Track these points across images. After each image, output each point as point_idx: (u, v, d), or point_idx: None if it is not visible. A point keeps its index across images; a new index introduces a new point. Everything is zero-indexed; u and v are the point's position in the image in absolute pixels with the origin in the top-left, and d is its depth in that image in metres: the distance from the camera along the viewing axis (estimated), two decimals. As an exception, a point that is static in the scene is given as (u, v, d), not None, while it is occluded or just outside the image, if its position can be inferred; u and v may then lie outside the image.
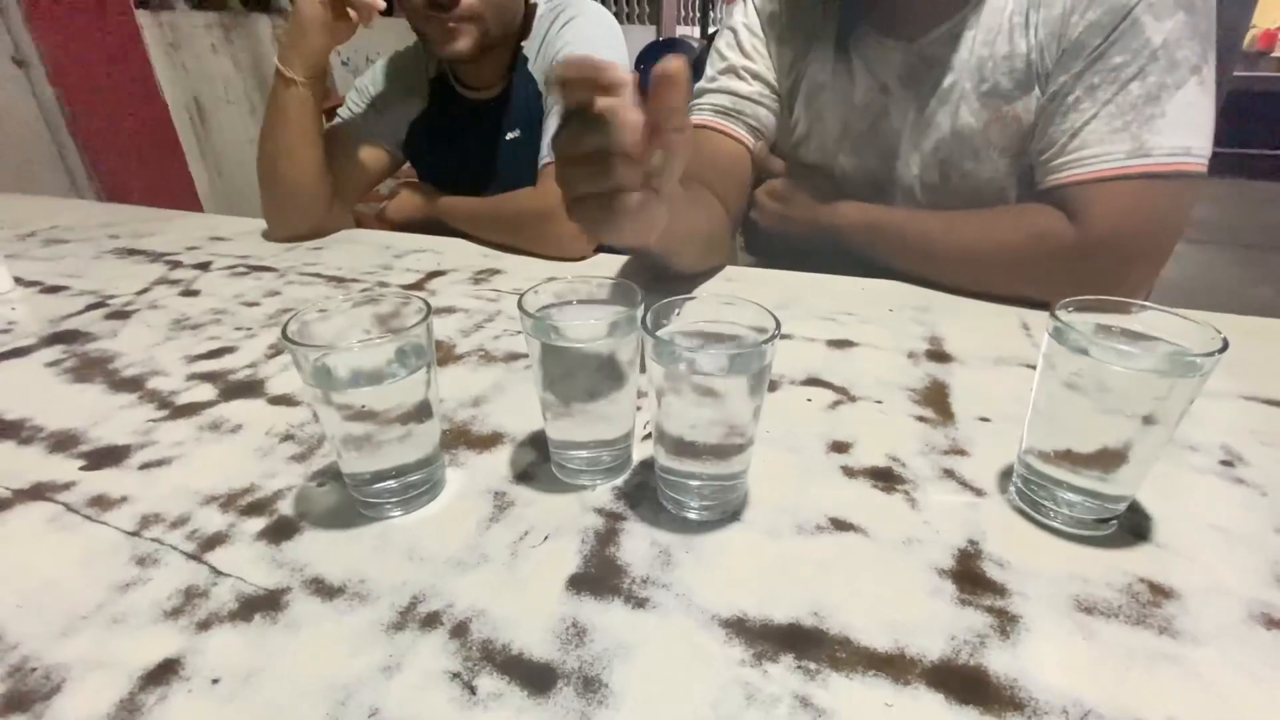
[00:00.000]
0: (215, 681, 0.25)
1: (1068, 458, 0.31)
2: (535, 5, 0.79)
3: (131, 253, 0.79)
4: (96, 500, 0.36)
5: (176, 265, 0.74)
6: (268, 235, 0.83)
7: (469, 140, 0.83)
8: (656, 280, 0.59)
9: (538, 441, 0.40)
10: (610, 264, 0.71)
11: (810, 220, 0.66)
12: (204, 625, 0.27)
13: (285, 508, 0.35)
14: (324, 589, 0.29)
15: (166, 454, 0.40)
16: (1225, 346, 0.27)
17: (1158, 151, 0.50)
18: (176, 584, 0.30)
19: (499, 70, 0.79)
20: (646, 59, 2.47)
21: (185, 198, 2.13)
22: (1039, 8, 0.54)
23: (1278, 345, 0.52)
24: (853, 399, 0.44)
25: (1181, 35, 0.50)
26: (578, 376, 0.34)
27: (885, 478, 0.36)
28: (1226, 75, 1.14)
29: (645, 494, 0.35)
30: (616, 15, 3.82)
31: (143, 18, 1.95)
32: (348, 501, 0.35)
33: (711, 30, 3.95)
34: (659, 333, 0.31)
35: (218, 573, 0.30)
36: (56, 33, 1.75)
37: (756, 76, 0.67)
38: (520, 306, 0.33)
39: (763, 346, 0.29)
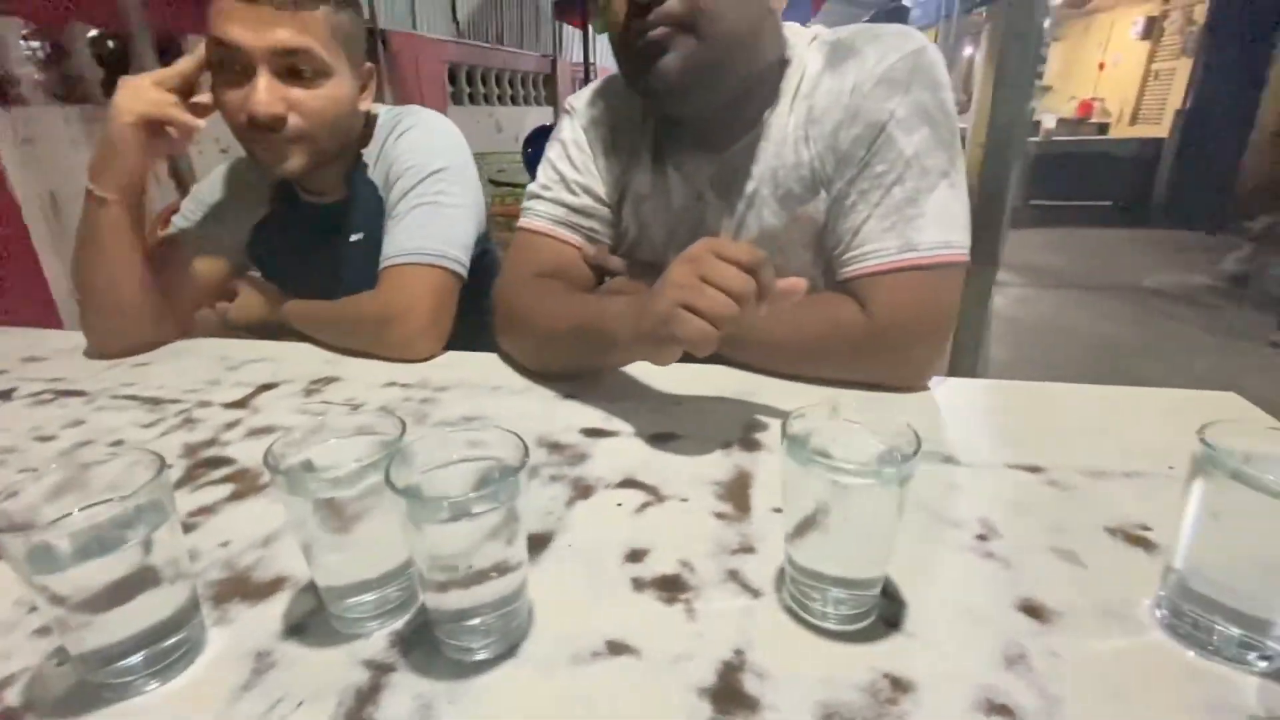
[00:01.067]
0: None
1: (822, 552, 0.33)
2: (376, 115, 0.81)
3: (-81, 382, 0.71)
4: None
5: (-31, 396, 0.67)
6: (89, 353, 0.77)
7: (312, 242, 0.82)
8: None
9: (324, 583, 0.38)
10: (454, 367, 0.71)
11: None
12: None
13: (11, 697, 0.31)
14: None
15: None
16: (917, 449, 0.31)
17: (922, 246, 0.57)
18: None
19: (338, 175, 0.80)
20: (535, 141, 2.56)
21: (35, 290, 1.97)
22: (815, 123, 0.61)
23: (1043, 409, 0.58)
24: (661, 499, 0.45)
25: (929, 147, 0.57)
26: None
27: (670, 587, 0.37)
28: (1017, 154, 1.32)
29: (424, 636, 0.34)
30: (514, 99, 3.94)
31: (-12, 113, 1.84)
32: (87, 683, 0.31)
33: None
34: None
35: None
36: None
37: (585, 189, 0.71)
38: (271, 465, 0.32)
39: (513, 479, 0.30)
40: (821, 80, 0.61)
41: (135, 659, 0.31)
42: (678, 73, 0.56)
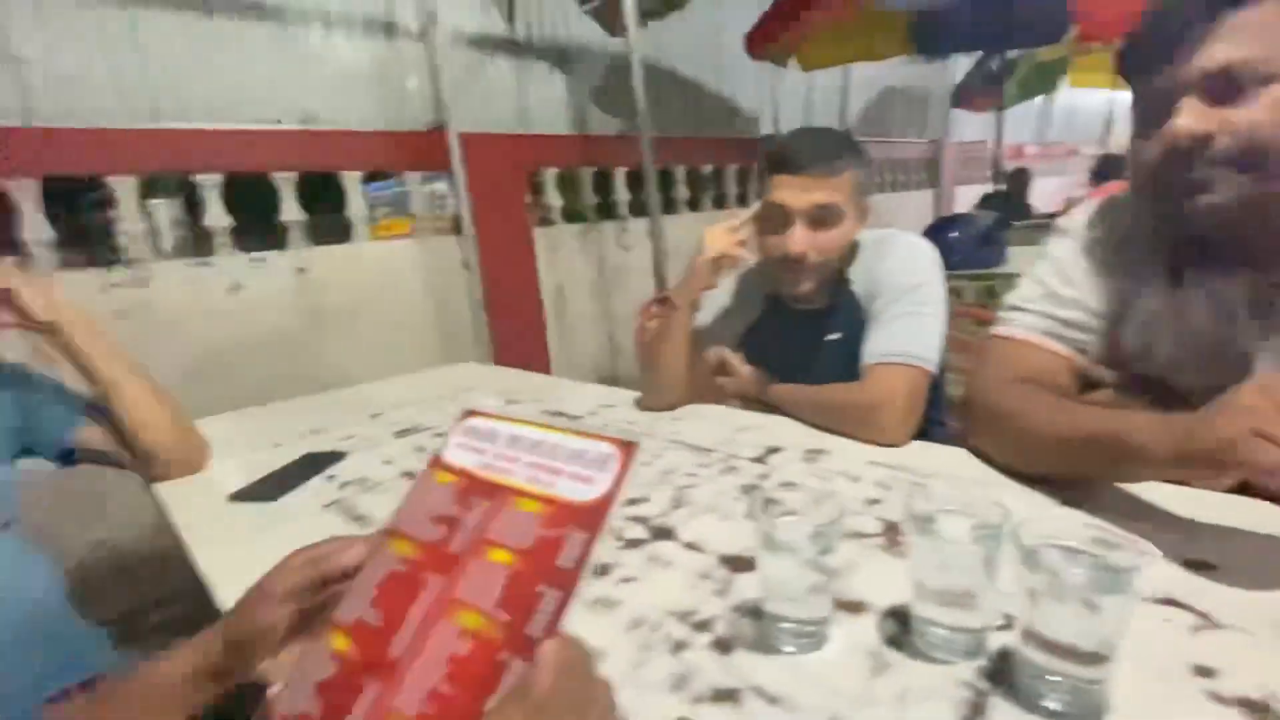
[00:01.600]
0: (714, 740, 0.40)
1: None
2: (859, 242, 0.99)
3: (555, 414, 1.14)
4: (602, 602, 0.56)
5: (588, 427, 1.05)
6: (640, 404, 1.12)
7: (795, 340, 1.04)
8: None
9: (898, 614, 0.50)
10: (925, 455, 0.81)
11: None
12: (696, 700, 0.44)
13: (719, 629, 0.51)
14: (765, 695, 0.44)
15: (632, 574, 0.60)
16: None
17: None
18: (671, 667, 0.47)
19: (825, 288, 1.00)
20: (933, 234, 2.58)
21: (539, 354, 2.82)
22: None
23: None
24: (1215, 624, 0.46)
25: None
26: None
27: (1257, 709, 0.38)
28: None
29: (1005, 678, 0.43)
30: (894, 185, 4.02)
31: (536, 233, 2.76)
32: (761, 631, 0.50)
33: (997, 187, 3.94)
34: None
35: (693, 669, 0.47)
36: (486, 245, 2.59)
37: (1077, 303, 0.74)
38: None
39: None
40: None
41: (791, 625, 0.48)
42: (1225, 212, 0.57)
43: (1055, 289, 0.76)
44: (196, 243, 2.07)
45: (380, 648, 0.43)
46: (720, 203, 3.51)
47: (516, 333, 2.70)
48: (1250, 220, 0.58)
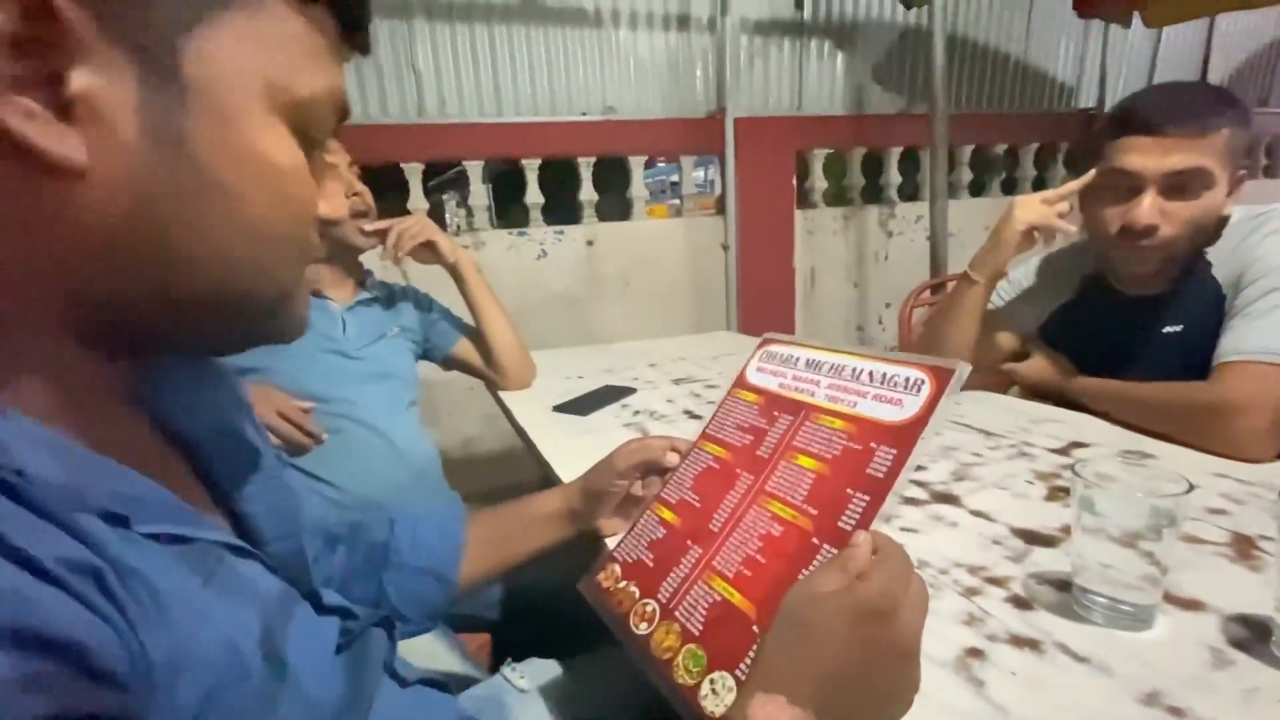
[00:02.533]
0: (1012, 674, 0.41)
1: None
2: (1228, 216, 0.82)
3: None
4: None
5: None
6: (912, 385, 1.08)
7: (1120, 330, 0.91)
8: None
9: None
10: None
11: None
12: (990, 638, 0.45)
13: (1017, 589, 0.50)
14: (1068, 650, 0.43)
15: (912, 525, 0.62)
16: None
17: None
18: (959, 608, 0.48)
19: (1172, 272, 0.85)
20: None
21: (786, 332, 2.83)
22: None
23: None
24: None
25: None
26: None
27: None
28: None
29: None
30: (1269, 169, 3.10)
31: (797, 215, 2.76)
32: (1069, 601, 0.48)
33: None
34: None
35: (985, 613, 0.48)
36: (746, 226, 2.67)
37: None
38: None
39: None
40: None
41: (1102, 600, 0.45)
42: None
43: None
44: (516, 216, 2.53)
45: (703, 520, 0.52)
46: (1010, 187, 3.11)
47: (765, 313, 2.75)
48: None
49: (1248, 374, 0.71)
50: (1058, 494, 0.66)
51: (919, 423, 0.45)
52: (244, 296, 0.28)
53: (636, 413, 1.03)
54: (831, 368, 0.55)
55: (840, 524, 0.43)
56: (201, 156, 0.25)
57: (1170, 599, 0.47)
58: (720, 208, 2.65)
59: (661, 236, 2.60)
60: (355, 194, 0.99)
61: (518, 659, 0.62)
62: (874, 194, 2.92)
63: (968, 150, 2.94)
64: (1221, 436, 0.71)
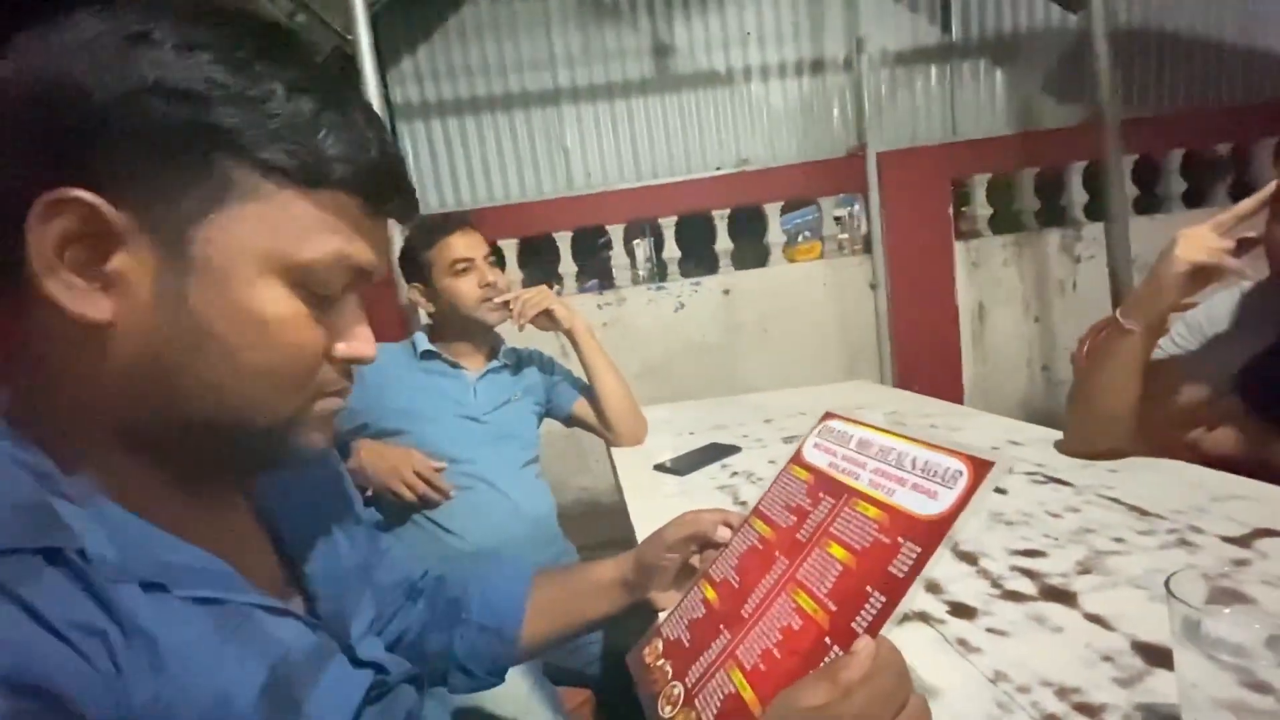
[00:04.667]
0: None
1: None
2: None
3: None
4: (961, 641, 0.52)
5: (984, 462, 0.94)
6: (1061, 447, 0.93)
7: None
8: None
9: None
10: None
11: None
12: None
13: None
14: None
15: (1003, 627, 0.53)
16: None
17: None
18: (1031, 738, 0.41)
19: None
20: None
21: (950, 381, 2.56)
22: None
23: None
24: None
25: None
26: None
27: None
28: None
29: None
30: None
31: (957, 246, 2.53)
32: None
33: None
34: None
35: (1062, 748, 0.40)
36: (897, 263, 2.50)
37: None
38: None
39: None
40: None
41: None
42: None
43: None
44: (656, 271, 2.64)
45: (737, 604, 0.51)
46: (1240, 191, 2.56)
47: (925, 355, 2.53)
48: None
49: None
50: (1217, 598, 0.53)
51: (946, 520, 0.40)
52: (239, 424, 0.35)
53: (734, 474, 1.02)
54: (880, 450, 0.51)
55: (853, 625, 0.40)
56: (199, 312, 0.32)
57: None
58: (867, 246, 2.53)
59: (802, 280, 2.54)
60: (487, 284, 1.13)
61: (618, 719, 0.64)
62: (1054, 216, 2.58)
63: (1176, 156, 2.48)
64: None
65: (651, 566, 0.60)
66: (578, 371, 1.28)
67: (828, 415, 0.61)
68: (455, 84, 2.51)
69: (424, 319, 1.25)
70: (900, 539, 0.42)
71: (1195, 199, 2.52)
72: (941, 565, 0.61)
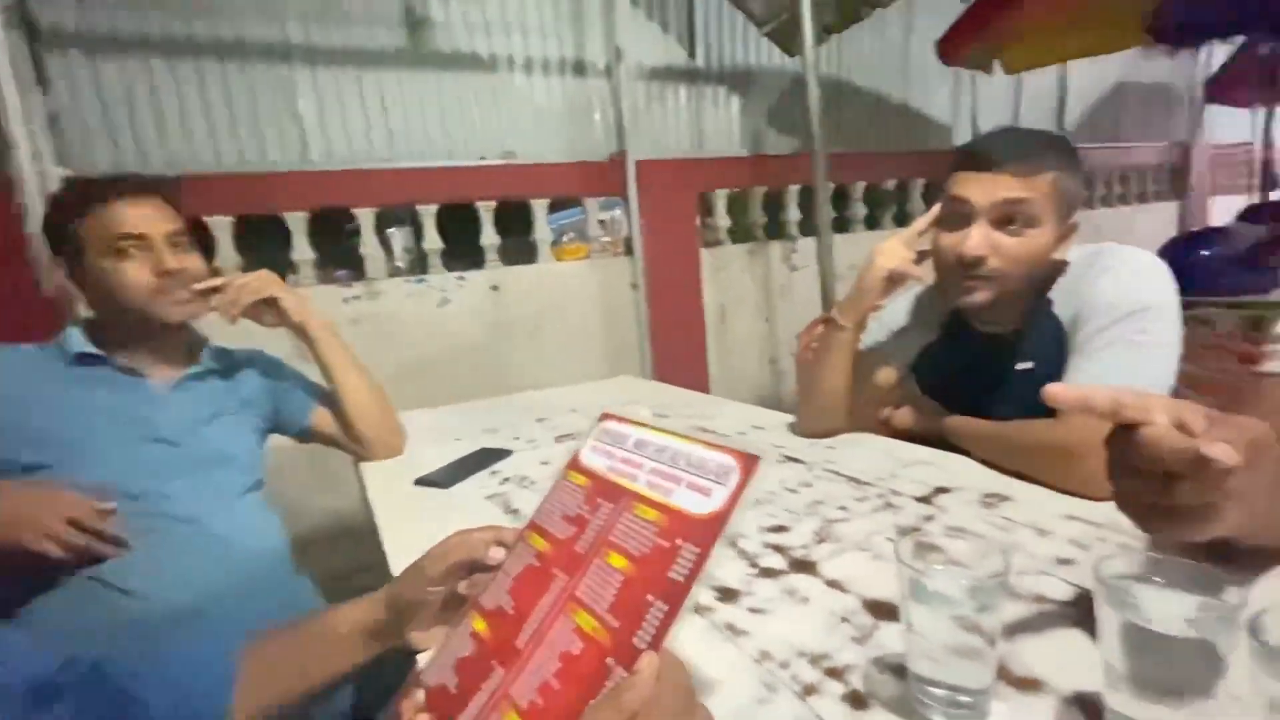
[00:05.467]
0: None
1: None
2: (1065, 261, 0.85)
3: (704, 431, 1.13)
4: (729, 626, 0.54)
5: (736, 448, 1.02)
6: (795, 429, 1.06)
7: (979, 369, 0.92)
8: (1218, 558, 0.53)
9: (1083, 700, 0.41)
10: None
11: None
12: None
13: (854, 681, 0.46)
14: (901, 764, 0.38)
15: (763, 605, 0.57)
16: None
17: None
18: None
19: (1017, 310, 0.87)
20: (1178, 249, 2.15)
21: (699, 375, 2.83)
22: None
23: None
24: None
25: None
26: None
27: None
28: None
29: None
30: (1124, 198, 3.43)
31: (703, 253, 2.79)
32: (904, 693, 0.44)
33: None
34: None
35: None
36: (654, 266, 2.67)
37: None
38: (1098, 577, 0.38)
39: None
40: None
41: (962, 698, 0.41)
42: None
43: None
44: (415, 263, 2.42)
45: (510, 635, 0.45)
46: (902, 220, 3.27)
47: (678, 351, 2.74)
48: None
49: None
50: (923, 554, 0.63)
51: (720, 518, 0.40)
52: None
53: (505, 480, 0.95)
54: (656, 449, 0.50)
55: (635, 640, 0.37)
56: None
57: (1009, 678, 0.44)
58: (628, 248, 2.64)
59: (570, 278, 2.55)
60: (165, 271, 0.88)
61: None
62: (778, 230, 3.00)
63: (860, 186, 3.08)
64: (1067, 474, 0.71)
65: (411, 604, 0.51)
66: (317, 377, 1.08)
67: (605, 416, 0.59)
68: (144, 15, 1.97)
69: (83, 311, 0.94)
70: (678, 541, 0.41)
71: (873, 223, 3.17)
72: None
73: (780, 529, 0.71)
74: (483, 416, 1.37)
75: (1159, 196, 4.42)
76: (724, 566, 0.64)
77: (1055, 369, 0.80)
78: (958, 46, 2.36)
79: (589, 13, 2.58)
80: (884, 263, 0.89)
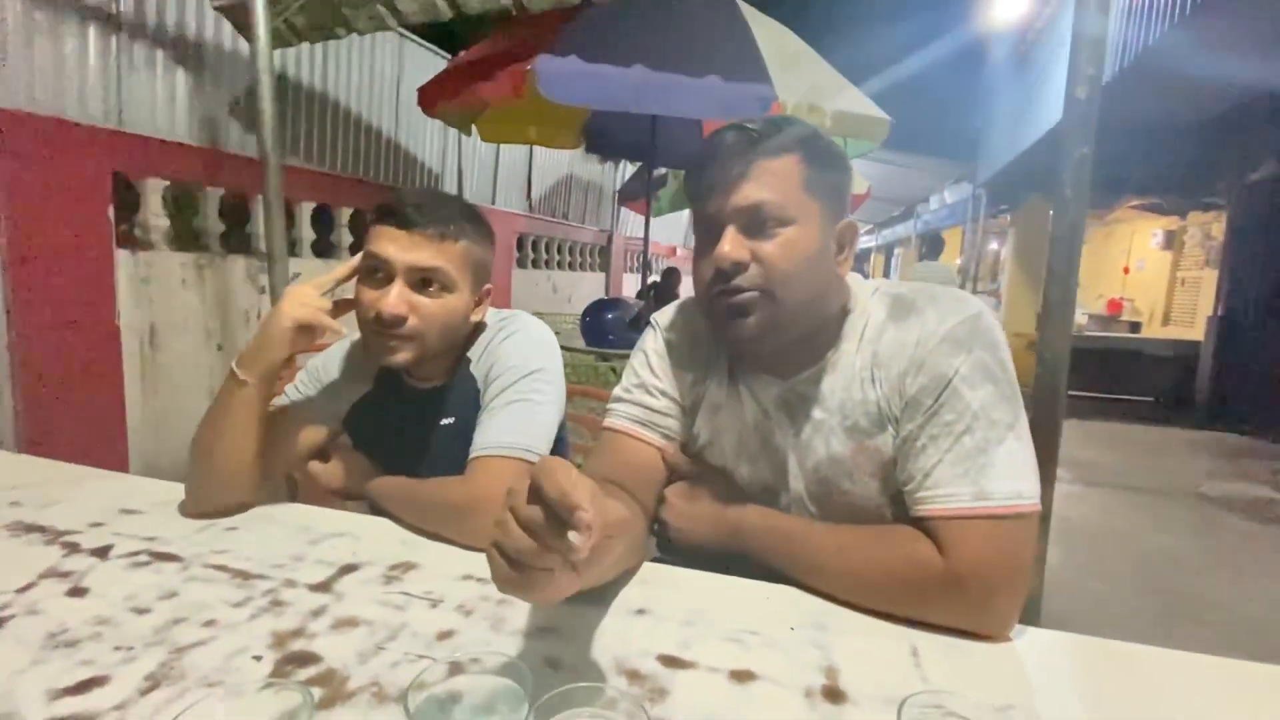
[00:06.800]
0: None
1: None
2: (483, 323, 0.91)
3: (29, 529, 0.76)
4: None
5: (73, 550, 0.71)
6: (185, 510, 0.81)
7: (408, 422, 0.89)
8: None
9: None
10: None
11: (716, 519, 0.72)
12: None
13: None
14: None
15: None
16: None
17: (996, 496, 0.59)
18: None
19: (442, 367, 0.88)
20: (593, 312, 2.75)
21: (110, 418, 2.09)
22: (881, 367, 0.67)
23: (1147, 678, 0.56)
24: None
25: (994, 401, 0.62)
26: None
27: None
28: (1065, 349, 1.26)
29: None
30: (571, 265, 4.33)
31: (120, 256, 2.10)
32: None
33: (651, 279, 4.46)
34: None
35: None
36: (28, 273, 1.85)
37: (664, 393, 0.77)
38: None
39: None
40: (886, 329, 0.67)
41: None
42: (755, 330, 0.65)
43: (645, 379, 0.78)
44: None
45: None
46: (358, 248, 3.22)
47: (76, 389, 1.96)
48: (773, 337, 0.66)
49: (487, 467, 0.76)
50: (287, 668, 0.52)
51: None
52: None
53: None
54: None
55: None
56: None
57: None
58: (-33, 234, 1.74)
59: None
60: None
61: None
62: (243, 243, 2.53)
63: (309, 207, 2.85)
64: (467, 531, 0.73)
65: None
66: None
67: None
68: None
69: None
70: None
71: (325, 251, 2.98)
72: None
73: (87, 685, 0.49)
74: None
75: (594, 268, 5.79)
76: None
77: (472, 424, 0.83)
78: (435, 99, 2.49)
79: None
80: (291, 311, 0.77)
